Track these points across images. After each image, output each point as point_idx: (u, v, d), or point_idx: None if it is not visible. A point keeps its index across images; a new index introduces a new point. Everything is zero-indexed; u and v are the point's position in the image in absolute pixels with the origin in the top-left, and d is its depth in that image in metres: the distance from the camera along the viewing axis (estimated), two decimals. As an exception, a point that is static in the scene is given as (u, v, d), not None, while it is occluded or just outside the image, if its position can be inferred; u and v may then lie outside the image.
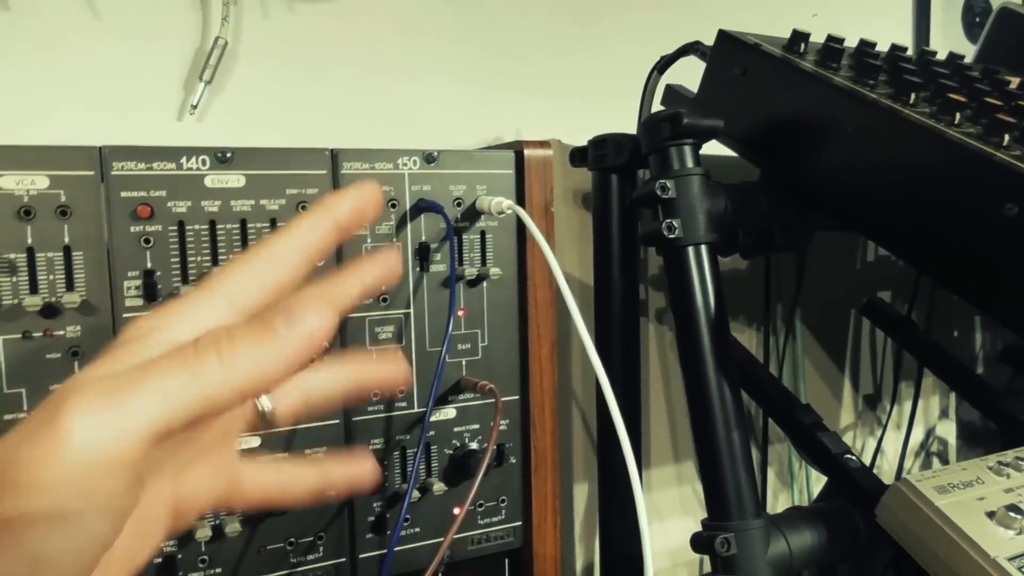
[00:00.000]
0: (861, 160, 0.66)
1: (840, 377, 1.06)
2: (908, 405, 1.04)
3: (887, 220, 0.66)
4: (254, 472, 0.33)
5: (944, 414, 1.15)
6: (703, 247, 0.66)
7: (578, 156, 0.80)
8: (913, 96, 0.65)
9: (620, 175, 0.77)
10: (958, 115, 0.61)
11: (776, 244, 0.75)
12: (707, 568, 0.94)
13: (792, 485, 1.00)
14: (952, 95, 0.63)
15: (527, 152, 0.62)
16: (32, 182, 0.47)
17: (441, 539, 0.61)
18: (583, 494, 0.90)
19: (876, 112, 0.64)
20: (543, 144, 0.62)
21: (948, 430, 1.15)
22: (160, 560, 0.53)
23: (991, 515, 0.61)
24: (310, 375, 0.32)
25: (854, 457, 0.74)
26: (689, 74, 0.81)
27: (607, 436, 0.80)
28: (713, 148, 0.74)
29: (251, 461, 0.33)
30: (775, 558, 0.65)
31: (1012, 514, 0.59)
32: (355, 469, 0.35)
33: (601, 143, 0.76)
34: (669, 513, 0.96)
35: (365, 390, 0.33)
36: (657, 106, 0.84)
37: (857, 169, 0.66)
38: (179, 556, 0.53)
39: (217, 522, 0.54)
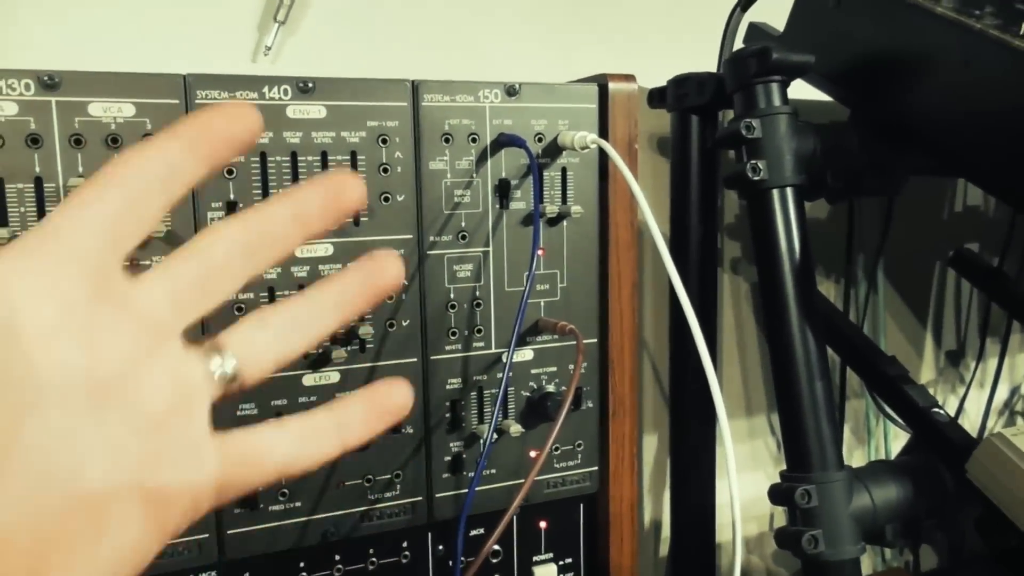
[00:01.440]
0: (966, 95, 0.62)
1: (922, 332, 1.02)
2: (993, 363, 1.00)
3: (992, 159, 0.62)
4: (255, 442, 0.28)
5: (1031, 373, 1.10)
6: (789, 190, 0.64)
7: (657, 96, 0.77)
8: (1023, 26, 0.60)
9: (701, 116, 0.74)
10: (1078, 44, 0.56)
11: (867, 187, 0.72)
12: (779, 522, 0.93)
13: (869, 442, 0.97)
14: (1070, 23, 0.58)
15: (611, 86, 0.59)
16: (119, 110, 0.47)
17: (516, 481, 0.60)
18: (652, 445, 0.88)
19: (984, 43, 0.60)
20: (628, 78, 0.60)
21: (1034, 390, 1.10)
22: (243, 492, 0.53)
23: (1095, 471, 0.58)
24: (285, 314, 0.29)
25: (942, 411, 0.72)
26: (774, 12, 0.77)
27: (680, 386, 0.78)
28: (799, 92, 0.71)
29: (249, 431, 0.28)
30: (858, 512, 0.63)
31: (1119, 470, 0.56)
32: (383, 404, 0.31)
33: (682, 82, 0.73)
34: (740, 466, 0.94)
35: (356, 313, 0.30)
36: (740, 46, 0.80)
37: (961, 105, 0.62)
38: (260, 489, 0.54)
39: (298, 456, 0.54)
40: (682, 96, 0.73)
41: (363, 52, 0.72)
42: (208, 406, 0.27)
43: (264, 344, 0.28)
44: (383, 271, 0.30)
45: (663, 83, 0.75)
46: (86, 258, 0.24)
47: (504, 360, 0.58)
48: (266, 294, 0.52)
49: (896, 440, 0.97)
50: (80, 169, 0.46)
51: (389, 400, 0.31)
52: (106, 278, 0.25)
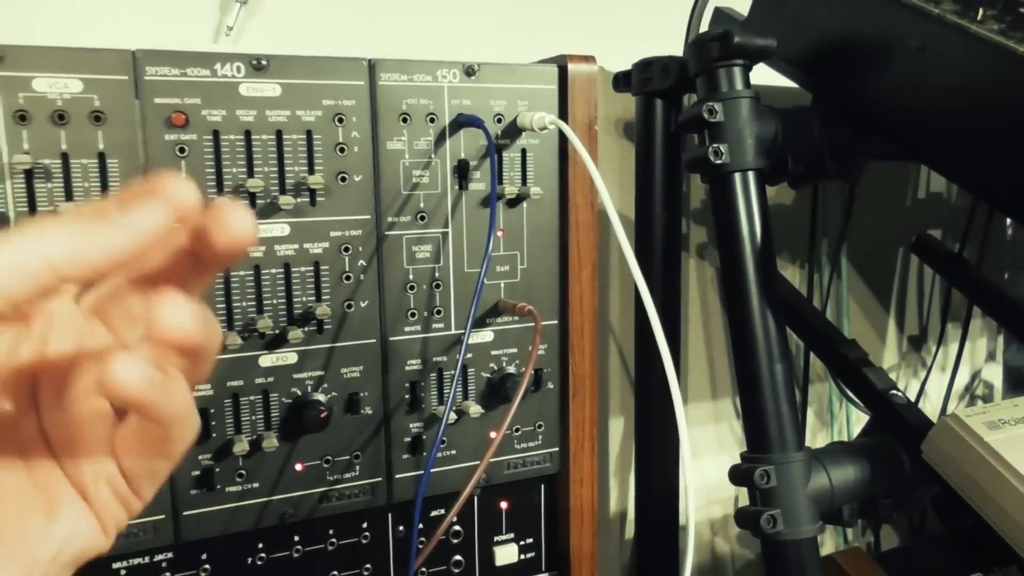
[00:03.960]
0: (924, 80, 0.62)
1: (885, 317, 1.03)
2: (954, 347, 1.01)
3: (950, 144, 0.63)
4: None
5: (991, 357, 1.12)
6: (751, 173, 0.64)
7: (622, 80, 0.77)
8: (981, 11, 0.61)
9: (665, 100, 0.74)
10: (1031, 29, 0.57)
11: (828, 171, 0.72)
12: (744, 503, 0.94)
13: (832, 425, 0.98)
14: (1025, 8, 0.59)
15: (571, 67, 0.59)
16: (65, 85, 0.46)
17: (476, 462, 0.60)
18: (618, 428, 0.89)
19: (942, 28, 0.60)
20: (587, 59, 0.60)
21: (994, 373, 1.12)
22: (198, 473, 0.53)
23: (1045, 450, 0.59)
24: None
25: (900, 393, 0.72)
26: (740, -3, 0.77)
27: (645, 370, 0.78)
28: (763, 78, 0.71)
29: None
30: (816, 491, 0.64)
31: (1068, 449, 0.57)
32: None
33: (646, 66, 0.73)
34: (705, 450, 0.95)
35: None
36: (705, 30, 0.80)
37: (920, 90, 0.63)
38: (217, 470, 0.53)
39: (254, 437, 0.54)
40: (646, 80, 0.73)
41: (326, 33, 0.71)
42: None
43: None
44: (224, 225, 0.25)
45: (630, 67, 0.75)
46: None
47: (463, 341, 0.58)
48: (220, 275, 0.51)
49: (858, 423, 0.98)
50: (25, 146, 0.46)
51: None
52: None
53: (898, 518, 0.98)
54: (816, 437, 0.99)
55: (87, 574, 0.51)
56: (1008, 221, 1.06)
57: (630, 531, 0.91)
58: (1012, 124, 0.58)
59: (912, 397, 1.04)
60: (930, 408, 1.04)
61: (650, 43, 0.79)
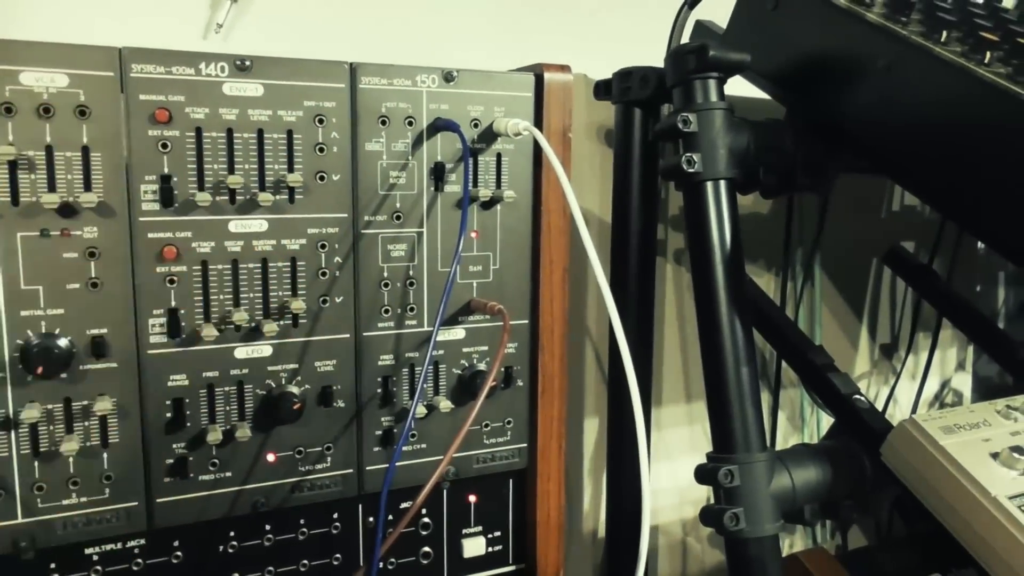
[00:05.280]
0: (891, 99, 0.64)
1: (857, 325, 1.05)
2: (924, 356, 1.03)
3: (915, 161, 0.64)
4: None
5: (960, 366, 1.14)
6: (722, 183, 0.66)
7: (603, 89, 0.79)
8: (945, 34, 0.63)
9: (644, 109, 0.76)
10: (989, 54, 0.59)
11: (799, 183, 0.74)
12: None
13: (803, 430, 1.00)
14: (984, 34, 0.61)
15: (547, 76, 0.61)
16: (52, 80, 0.47)
17: (444, 456, 0.62)
18: (593, 428, 0.91)
19: (907, 49, 0.62)
20: (563, 68, 0.61)
21: (963, 382, 1.14)
22: (172, 461, 0.54)
23: (995, 456, 0.61)
24: None
25: (863, 398, 0.74)
26: (721, 10, 0.79)
27: (617, 372, 0.80)
28: (741, 89, 0.73)
29: None
30: (778, 491, 0.66)
31: (1016, 455, 0.59)
32: None
33: (626, 75, 0.75)
34: (679, 451, 0.96)
35: None
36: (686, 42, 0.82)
37: (887, 108, 0.65)
38: (190, 458, 0.55)
39: (228, 427, 0.55)
40: (626, 89, 0.75)
41: (315, 33, 0.72)
42: None
43: None
44: None
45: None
46: None
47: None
48: (199, 267, 0.53)
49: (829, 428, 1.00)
50: (10, 137, 0.47)
51: None
52: None
53: (861, 520, 1.00)
54: (788, 441, 1.01)
55: (57, 559, 0.52)
56: (979, 234, 1.08)
57: (603, 530, 0.93)
58: (973, 144, 0.60)
59: (882, 404, 1.06)
60: (900, 415, 1.06)
61: (640, 53, 0.81)
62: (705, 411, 0.97)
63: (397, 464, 0.60)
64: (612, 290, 0.83)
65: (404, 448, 0.60)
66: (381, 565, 0.62)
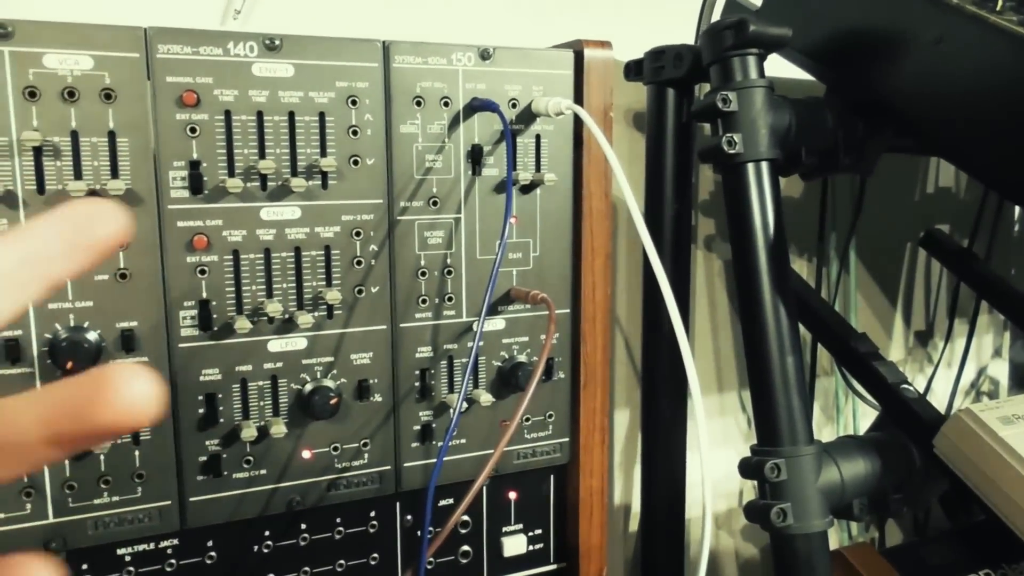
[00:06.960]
0: (941, 72, 0.62)
1: (892, 312, 1.03)
2: (961, 343, 1.01)
3: (967, 136, 0.62)
4: None
5: (997, 353, 1.11)
6: (764, 164, 0.63)
7: (633, 69, 0.76)
8: (1000, 2, 0.60)
9: (677, 89, 0.73)
10: (1052, 20, 0.56)
11: (841, 164, 0.72)
12: (749, 497, 0.93)
13: (837, 419, 0.98)
14: (1045, -1, 0.58)
15: (587, 52, 0.58)
16: (76, 62, 0.45)
17: (486, 451, 0.60)
18: (623, 421, 0.88)
19: (960, 19, 0.60)
20: (604, 44, 0.59)
21: (1000, 370, 1.12)
22: (205, 459, 0.52)
23: (1060, 445, 0.59)
24: None
25: (911, 387, 0.72)
26: (753, -14, 0.76)
27: (652, 362, 0.78)
28: (776, 69, 0.70)
29: None
30: (826, 486, 0.64)
31: (1083, 444, 0.57)
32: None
33: (659, 54, 0.73)
34: (712, 443, 0.94)
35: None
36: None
37: (936, 82, 0.62)
38: (224, 456, 0.53)
39: (262, 423, 0.53)
40: (658, 69, 0.73)
41: (336, 17, 0.70)
42: None
43: None
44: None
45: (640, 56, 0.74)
46: None
47: (475, 329, 0.57)
48: (231, 257, 0.51)
49: (864, 418, 0.98)
50: (35, 123, 0.45)
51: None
52: None
53: (906, 513, 0.98)
54: (822, 431, 0.99)
55: (90, 560, 0.50)
56: (1016, 215, 1.06)
57: (634, 524, 0.90)
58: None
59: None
60: (936, 404, 1.04)
61: (661, 31, 0.78)
62: (737, 402, 0.95)
63: (435, 460, 0.58)
64: (645, 279, 0.81)
65: (442, 443, 0.58)
66: (419, 564, 0.60)
